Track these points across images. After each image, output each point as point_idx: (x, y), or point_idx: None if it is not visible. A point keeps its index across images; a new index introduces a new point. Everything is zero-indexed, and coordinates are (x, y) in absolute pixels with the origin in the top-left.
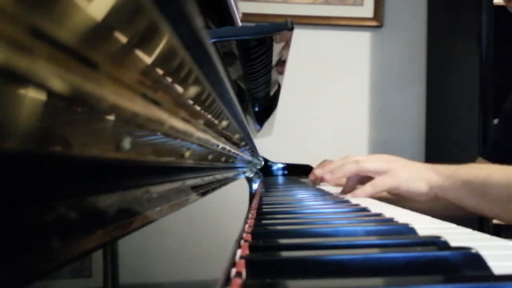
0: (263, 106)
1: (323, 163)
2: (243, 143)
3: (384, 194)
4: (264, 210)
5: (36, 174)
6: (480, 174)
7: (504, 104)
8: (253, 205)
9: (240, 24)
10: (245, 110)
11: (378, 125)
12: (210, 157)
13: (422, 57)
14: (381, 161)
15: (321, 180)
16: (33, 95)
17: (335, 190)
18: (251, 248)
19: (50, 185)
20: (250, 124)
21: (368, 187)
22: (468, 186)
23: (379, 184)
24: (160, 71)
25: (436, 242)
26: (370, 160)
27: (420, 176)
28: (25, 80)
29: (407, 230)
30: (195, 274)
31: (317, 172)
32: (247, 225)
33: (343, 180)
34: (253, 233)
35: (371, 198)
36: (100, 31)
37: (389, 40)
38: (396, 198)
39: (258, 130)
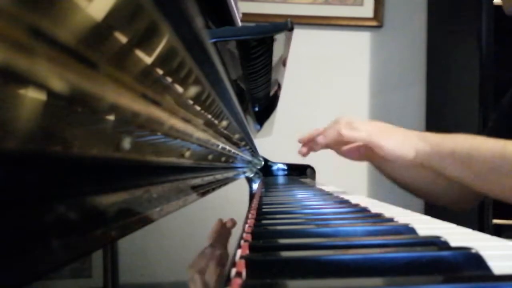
0: (263, 106)
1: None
2: (243, 143)
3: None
4: (264, 210)
5: (36, 174)
6: (466, 144)
7: (501, 100)
8: (253, 205)
9: (240, 24)
10: (245, 110)
11: None
12: (210, 157)
13: (422, 57)
14: (372, 126)
15: (310, 147)
16: (33, 95)
17: (335, 190)
18: (251, 248)
19: (50, 185)
20: (250, 124)
21: (346, 129)
22: (453, 155)
23: (355, 132)
24: (160, 71)
25: (436, 242)
26: (362, 126)
27: (408, 142)
28: (25, 80)
29: (407, 230)
30: None
31: (304, 137)
32: (247, 225)
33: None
34: (253, 233)
35: (366, 198)
36: (100, 31)
37: (389, 40)
38: (382, 161)
39: (258, 130)
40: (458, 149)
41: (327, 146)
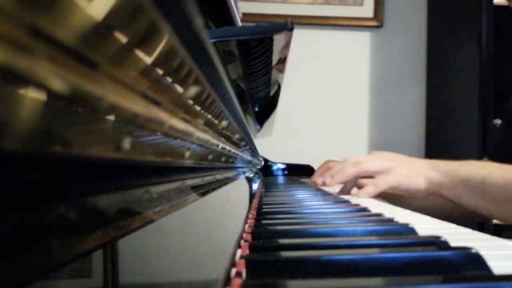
0: (263, 106)
1: (325, 164)
2: (243, 143)
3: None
4: (264, 210)
5: (36, 174)
6: (479, 172)
7: (507, 103)
8: (253, 205)
9: (240, 24)
10: (245, 110)
11: (378, 125)
12: (210, 157)
13: (422, 57)
14: (381, 160)
15: (323, 185)
16: (33, 95)
17: (335, 189)
18: (251, 248)
19: (50, 185)
20: (250, 124)
21: (370, 188)
22: (467, 184)
23: (381, 183)
24: (160, 71)
25: (436, 242)
26: (370, 161)
27: (420, 172)
28: (25, 80)
29: (407, 230)
30: (195, 274)
31: (318, 180)
32: (247, 225)
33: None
34: (253, 233)
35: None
36: (100, 31)
37: (389, 40)
38: (395, 194)
39: (258, 130)
40: (471, 177)
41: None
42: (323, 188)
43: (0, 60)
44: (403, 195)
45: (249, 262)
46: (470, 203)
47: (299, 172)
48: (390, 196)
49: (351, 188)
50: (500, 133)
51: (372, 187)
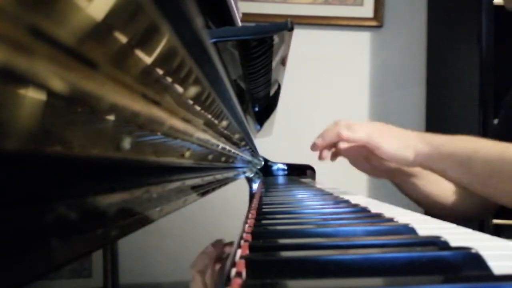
0: (263, 106)
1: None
2: (243, 143)
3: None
4: (264, 210)
5: (36, 174)
6: (466, 146)
7: (506, 97)
8: (253, 205)
9: (240, 24)
10: (245, 110)
11: None
12: (210, 157)
13: (422, 57)
14: (371, 127)
15: (314, 147)
16: (33, 95)
17: (335, 190)
18: (251, 248)
19: (50, 185)
20: (250, 124)
21: (346, 132)
22: (453, 157)
23: (364, 135)
24: (160, 71)
25: (436, 242)
26: (361, 127)
27: (408, 143)
28: (25, 80)
29: (407, 230)
30: None
31: (312, 144)
32: (247, 225)
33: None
34: (253, 233)
35: (365, 198)
36: (100, 31)
37: (389, 40)
38: (402, 171)
39: (258, 130)
40: (458, 151)
41: (326, 147)
42: (325, 188)
43: (0, 60)
44: (411, 173)
45: (249, 262)
46: (454, 176)
47: (299, 172)
48: (398, 173)
49: (331, 143)
50: (500, 126)
51: (346, 130)
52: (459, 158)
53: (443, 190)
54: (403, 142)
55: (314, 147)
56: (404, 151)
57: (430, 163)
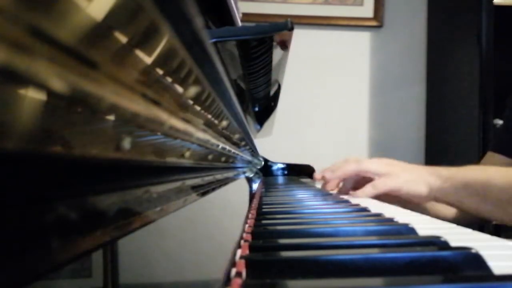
0: (263, 106)
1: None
2: (243, 143)
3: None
4: (264, 210)
5: (36, 174)
6: (480, 176)
7: (510, 97)
8: (253, 205)
9: (240, 24)
10: (245, 110)
11: (377, 125)
12: (210, 157)
13: (422, 57)
14: (382, 163)
15: (323, 179)
16: (33, 95)
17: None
18: (251, 248)
19: (50, 185)
20: (250, 124)
21: (368, 188)
22: (468, 188)
23: (380, 185)
24: (160, 71)
25: (436, 242)
26: (371, 162)
27: (421, 178)
28: (25, 80)
29: (407, 230)
30: (195, 274)
31: (317, 175)
32: (247, 225)
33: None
34: (253, 233)
35: (370, 199)
36: (100, 31)
37: (389, 40)
38: (396, 201)
39: (258, 130)
40: (472, 181)
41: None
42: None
43: (0, 60)
44: (405, 200)
45: (249, 262)
46: (472, 207)
47: (299, 172)
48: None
49: (350, 187)
50: (507, 124)
51: (370, 187)
52: (474, 187)
53: (449, 209)
54: (414, 176)
55: (322, 179)
56: (418, 185)
57: (445, 196)
